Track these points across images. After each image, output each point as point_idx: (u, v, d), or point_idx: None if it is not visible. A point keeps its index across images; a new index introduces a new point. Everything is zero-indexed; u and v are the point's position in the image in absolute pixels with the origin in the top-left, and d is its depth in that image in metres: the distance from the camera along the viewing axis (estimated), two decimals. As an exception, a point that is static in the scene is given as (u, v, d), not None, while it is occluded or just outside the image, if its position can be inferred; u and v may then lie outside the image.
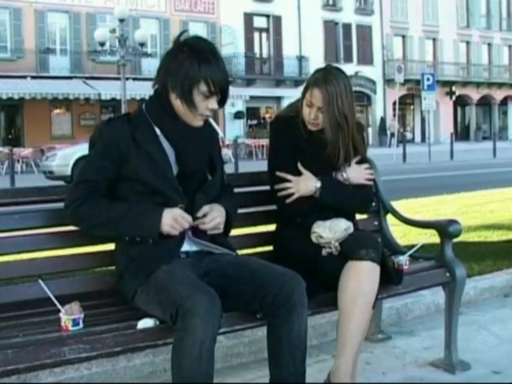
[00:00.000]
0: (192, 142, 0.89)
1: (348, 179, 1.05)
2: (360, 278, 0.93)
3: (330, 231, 0.99)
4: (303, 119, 1.04)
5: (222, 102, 0.89)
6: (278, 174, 1.02)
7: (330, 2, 15.16)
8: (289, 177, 1.02)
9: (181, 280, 0.80)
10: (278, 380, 0.84)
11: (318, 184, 1.02)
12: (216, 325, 0.75)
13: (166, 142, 0.89)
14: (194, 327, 0.73)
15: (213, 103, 0.88)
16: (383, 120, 16.09)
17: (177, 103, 0.87)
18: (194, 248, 0.90)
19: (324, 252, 0.99)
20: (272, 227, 1.12)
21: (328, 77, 1.03)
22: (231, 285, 0.84)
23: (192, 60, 0.85)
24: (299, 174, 1.03)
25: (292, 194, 1.01)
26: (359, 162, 1.07)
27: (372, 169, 1.10)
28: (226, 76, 0.88)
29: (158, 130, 0.90)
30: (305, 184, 1.02)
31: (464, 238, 1.92)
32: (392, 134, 11.96)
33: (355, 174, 1.05)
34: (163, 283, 0.81)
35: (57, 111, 12.15)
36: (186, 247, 0.89)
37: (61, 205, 0.92)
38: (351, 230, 1.01)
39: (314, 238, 1.00)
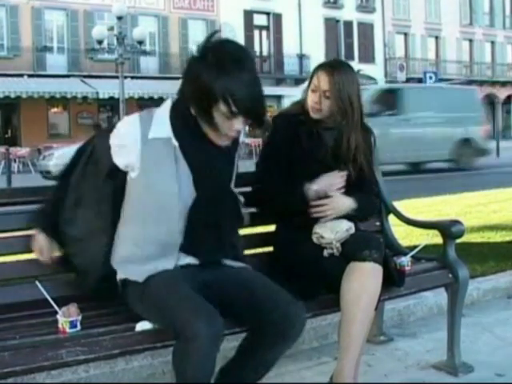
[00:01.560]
0: (214, 162, 0.78)
1: (316, 191, 0.99)
2: (363, 279, 0.92)
3: (332, 231, 0.97)
4: (308, 111, 1.02)
5: (256, 122, 0.75)
6: (314, 203, 0.96)
7: (331, -1, 15.26)
8: (325, 201, 0.97)
9: (180, 299, 0.74)
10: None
11: (352, 202, 1.00)
12: (217, 348, 0.73)
13: (182, 159, 0.78)
14: (195, 354, 0.71)
15: (237, 124, 0.75)
16: (385, 119, 15.90)
17: (196, 114, 0.76)
18: (194, 261, 0.83)
19: (325, 253, 0.98)
20: (272, 228, 1.11)
21: (334, 64, 1.05)
22: (230, 304, 0.79)
23: (210, 71, 0.72)
24: (289, 169, 0.99)
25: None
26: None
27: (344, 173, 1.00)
28: (251, 92, 0.73)
29: (175, 141, 0.78)
30: (341, 205, 0.99)
31: (467, 238, 1.89)
32: None
33: (323, 183, 0.98)
34: (162, 301, 0.76)
35: (54, 110, 12.06)
36: (187, 260, 0.81)
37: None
38: (352, 230, 1.00)
39: (315, 238, 0.99)
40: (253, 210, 1.06)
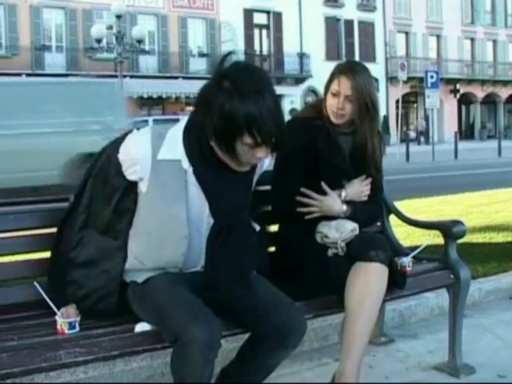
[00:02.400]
0: (232, 188, 0.75)
1: (346, 197, 1.01)
2: (369, 280, 0.92)
3: (337, 231, 0.97)
4: (327, 115, 1.01)
5: (276, 148, 0.72)
6: (302, 190, 0.97)
7: (332, -3, 15.18)
8: (313, 195, 0.98)
9: (178, 304, 0.73)
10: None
11: (345, 207, 1.00)
12: (216, 353, 0.72)
13: (194, 183, 0.74)
14: (193, 359, 0.70)
15: (261, 152, 0.72)
16: (386, 118, 15.97)
17: (216, 146, 0.72)
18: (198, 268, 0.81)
19: (330, 252, 0.97)
20: (274, 227, 1.09)
21: (353, 66, 1.03)
22: (232, 307, 0.78)
23: (233, 102, 0.69)
24: (306, 181, 0.99)
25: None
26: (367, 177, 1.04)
27: (378, 180, 1.05)
28: (276, 121, 0.70)
29: (185, 164, 0.74)
30: (329, 207, 0.99)
31: (468, 238, 1.89)
32: (421, 133, 11.64)
33: (354, 192, 1.01)
34: (162, 305, 0.75)
35: None
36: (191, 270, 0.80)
37: (56, 205, 0.90)
38: (357, 231, 0.99)
39: (319, 238, 0.99)
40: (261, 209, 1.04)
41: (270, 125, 0.71)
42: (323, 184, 1.00)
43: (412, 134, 15.79)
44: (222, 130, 0.71)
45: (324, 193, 1.00)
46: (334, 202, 1.00)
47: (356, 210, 1.01)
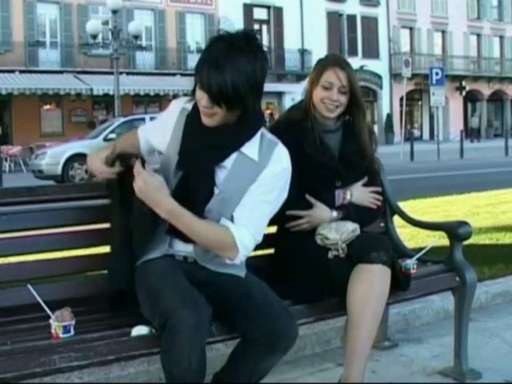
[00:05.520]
0: (200, 138, 0.80)
1: (351, 199, 1.01)
2: (371, 282, 0.89)
3: (337, 232, 0.95)
4: (315, 112, 1.00)
5: (218, 103, 0.74)
6: (288, 212, 0.96)
7: (334, -8, 14.97)
8: (301, 213, 0.98)
9: (171, 288, 0.76)
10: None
11: (335, 214, 0.99)
12: (204, 338, 0.73)
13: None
14: (180, 343, 0.71)
15: (203, 99, 0.77)
16: (389, 116, 15.84)
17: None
18: (191, 249, 0.83)
19: (330, 254, 0.95)
20: (273, 229, 1.07)
21: (343, 58, 1.03)
22: (225, 307, 0.80)
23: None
24: (301, 185, 0.98)
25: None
26: (366, 185, 1.03)
27: (379, 190, 1.05)
28: (217, 75, 0.73)
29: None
30: (319, 218, 0.98)
31: (475, 240, 1.88)
32: (472, 130, 11.46)
33: (359, 195, 1.02)
34: (155, 288, 0.77)
35: (47, 107, 11.59)
36: (180, 247, 0.82)
37: (51, 205, 0.89)
38: (358, 232, 0.97)
39: (319, 240, 0.97)
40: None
41: (210, 68, 0.74)
42: (308, 196, 0.98)
43: (417, 133, 15.58)
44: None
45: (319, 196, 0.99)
46: (322, 211, 0.99)
47: (349, 212, 1.00)
